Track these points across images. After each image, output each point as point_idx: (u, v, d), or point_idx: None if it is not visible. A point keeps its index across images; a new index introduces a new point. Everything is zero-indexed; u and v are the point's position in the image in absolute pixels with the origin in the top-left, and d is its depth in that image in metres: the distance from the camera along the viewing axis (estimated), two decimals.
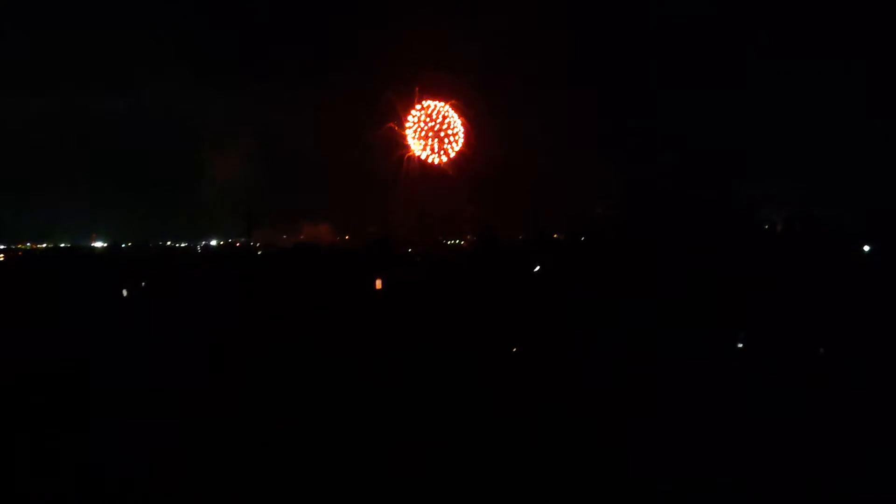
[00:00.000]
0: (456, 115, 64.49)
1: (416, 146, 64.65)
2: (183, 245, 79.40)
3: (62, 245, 75.56)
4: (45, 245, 76.68)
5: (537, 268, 44.83)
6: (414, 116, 64.48)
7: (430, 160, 64.25)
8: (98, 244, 74.14)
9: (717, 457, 12.37)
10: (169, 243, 79.14)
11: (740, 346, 21.58)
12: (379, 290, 38.52)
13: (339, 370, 18.85)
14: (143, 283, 42.40)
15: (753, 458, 12.28)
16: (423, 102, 64.45)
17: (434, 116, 64.73)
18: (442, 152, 64.53)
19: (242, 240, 75.62)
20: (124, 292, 38.75)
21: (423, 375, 18.11)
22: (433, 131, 64.67)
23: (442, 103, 64.45)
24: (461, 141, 64.72)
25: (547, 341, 22.59)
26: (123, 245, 74.47)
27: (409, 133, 64.53)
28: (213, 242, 78.54)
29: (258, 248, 73.18)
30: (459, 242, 71.69)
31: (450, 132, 64.64)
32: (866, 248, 42.28)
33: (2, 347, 22.72)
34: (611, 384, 17.02)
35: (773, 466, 11.90)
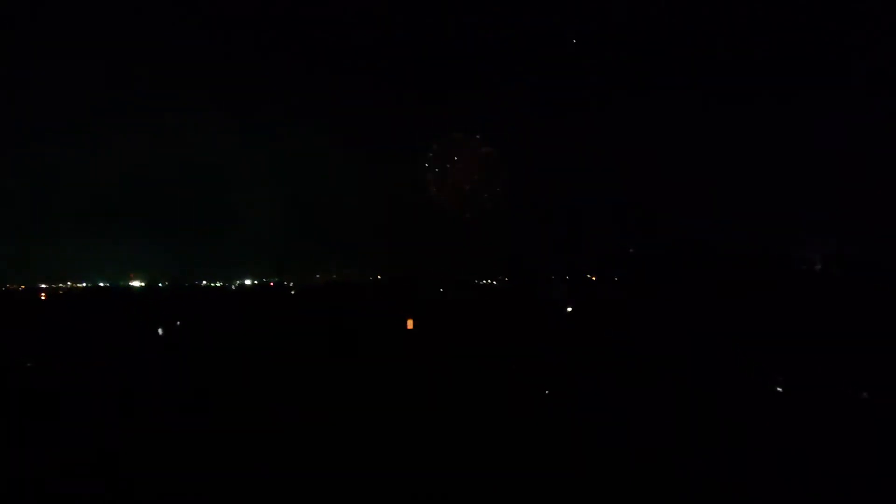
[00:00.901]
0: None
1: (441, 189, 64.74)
2: (218, 284, 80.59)
3: (100, 284, 77.22)
4: (83, 284, 78.41)
5: (570, 308, 44.58)
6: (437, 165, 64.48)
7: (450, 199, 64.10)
8: (136, 283, 75.62)
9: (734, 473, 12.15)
10: (204, 283, 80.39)
11: (779, 389, 21.11)
12: (410, 329, 38.59)
13: (366, 410, 18.86)
14: (178, 322, 43.06)
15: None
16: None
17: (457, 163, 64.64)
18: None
19: (275, 279, 76.57)
20: (160, 331, 39.36)
21: (451, 413, 18.02)
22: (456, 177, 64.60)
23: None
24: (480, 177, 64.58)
25: (580, 384, 22.36)
26: (160, 284, 75.88)
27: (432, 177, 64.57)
28: (248, 281, 79.61)
29: (291, 287, 74.00)
30: (491, 282, 71.69)
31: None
32: None
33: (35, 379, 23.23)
34: (640, 434, 16.75)
35: None
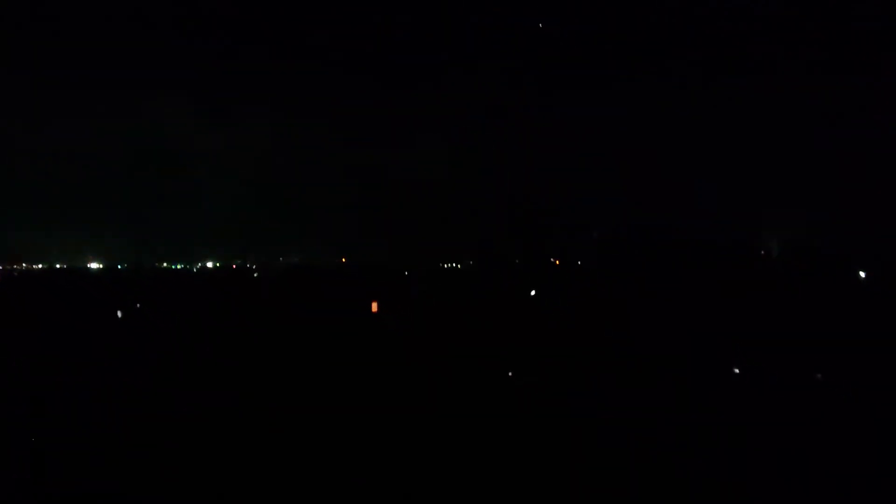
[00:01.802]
0: None
1: None
2: (179, 266, 79.40)
3: (58, 266, 75.51)
4: (41, 265, 76.61)
5: (533, 292, 44.87)
6: None
7: None
8: (94, 265, 74.10)
9: (712, 485, 12.32)
10: (165, 265, 79.13)
11: (736, 371, 21.53)
12: (375, 312, 38.48)
13: (329, 390, 18.80)
14: (138, 305, 42.34)
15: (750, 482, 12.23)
16: None
17: None
18: None
19: (238, 262, 75.67)
20: (119, 314, 38.64)
21: (414, 395, 18.04)
22: None
23: None
24: None
25: (543, 366, 22.54)
26: (120, 266, 74.46)
27: None
28: (210, 264, 78.54)
29: (254, 270, 73.19)
30: (456, 266, 71.78)
31: None
32: (862, 273, 42.47)
33: None
34: (602, 413, 16.96)
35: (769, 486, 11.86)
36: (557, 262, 62.58)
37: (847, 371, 19.82)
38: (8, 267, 75.11)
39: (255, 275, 70.71)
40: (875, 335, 23.96)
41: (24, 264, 77.26)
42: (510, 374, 21.77)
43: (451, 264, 71.84)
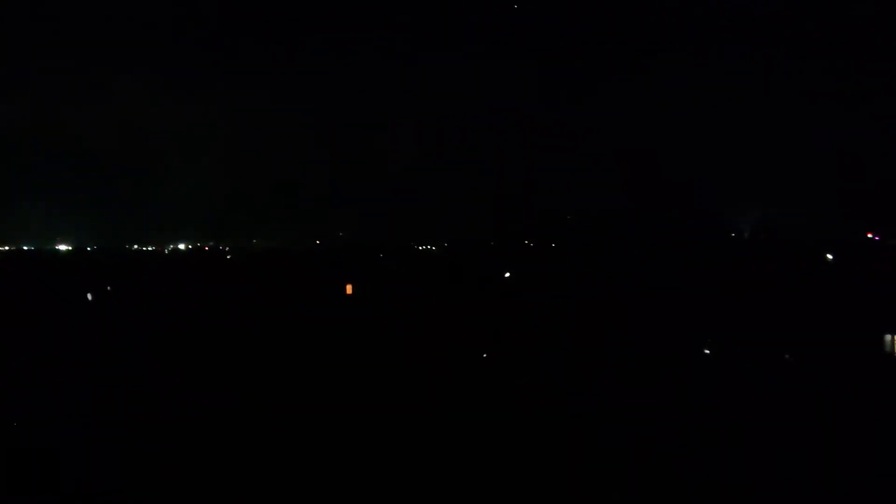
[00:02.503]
0: None
1: None
2: (150, 249, 78.29)
3: (25, 248, 74.11)
4: (6, 248, 75.14)
5: (507, 273, 44.98)
6: None
7: None
8: (63, 247, 72.81)
9: (686, 463, 12.49)
10: (136, 247, 77.99)
11: (707, 352, 21.86)
12: (350, 294, 38.37)
13: (306, 377, 18.74)
14: (108, 287, 41.71)
15: (723, 462, 12.43)
16: None
17: None
18: None
19: (211, 244, 74.85)
20: (89, 296, 38.07)
21: (393, 379, 18.07)
22: None
23: None
24: None
25: (517, 347, 22.67)
26: (89, 248, 73.26)
27: None
28: (182, 246, 77.57)
29: (227, 253, 72.48)
30: (431, 248, 71.70)
31: None
32: (829, 255, 43.16)
33: None
34: (578, 391, 17.12)
35: (743, 470, 12.06)
36: (531, 244, 62.76)
37: (816, 353, 20.19)
38: None
39: (228, 257, 70.02)
40: (841, 316, 24.43)
41: None
42: (484, 355, 21.90)
43: (426, 246, 71.77)
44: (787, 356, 20.74)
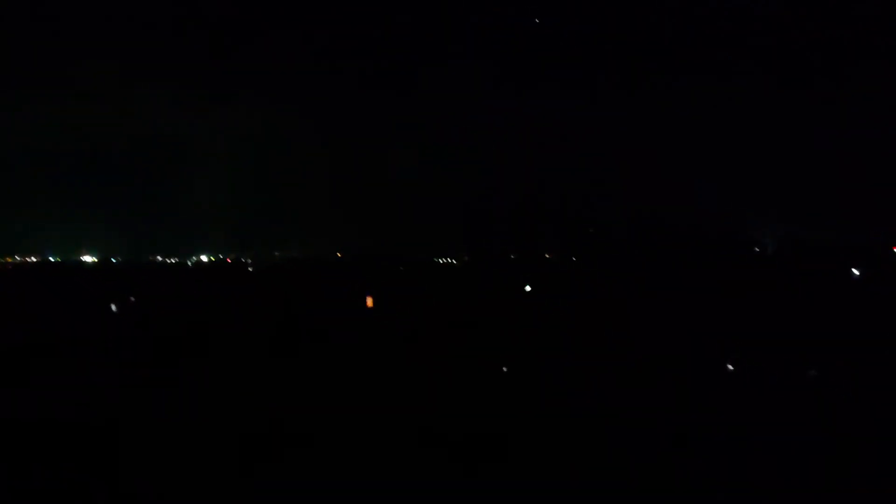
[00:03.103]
0: None
1: None
2: (174, 260, 79.04)
3: (51, 259, 75.18)
4: (34, 259, 76.25)
5: (528, 287, 44.85)
6: None
7: None
8: (88, 258, 73.77)
9: (709, 479, 12.32)
10: (160, 258, 78.78)
11: (730, 367, 21.56)
12: (370, 307, 38.44)
13: (324, 386, 18.75)
14: (132, 299, 42.17)
15: (746, 478, 12.24)
16: None
17: None
18: None
19: (233, 256, 75.43)
20: (113, 307, 38.51)
21: (411, 390, 18.02)
22: None
23: None
24: None
25: (537, 361, 22.53)
26: (114, 260, 74.17)
27: None
28: (204, 258, 78.24)
29: (249, 265, 73.00)
30: (452, 261, 71.70)
31: None
32: (855, 271, 42.56)
33: None
34: (599, 406, 16.96)
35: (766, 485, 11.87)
36: (552, 257, 62.61)
37: (842, 368, 19.87)
38: (1, 261, 74.82)
39: (251, 269, 70.51)
40: (869, 332, 24.03)
41: (16, 257, 76.94)
42: (504, 369, 21.77)
43: (446, 259, 71.78)
44: (812, 372, 20.41)
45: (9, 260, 76.06)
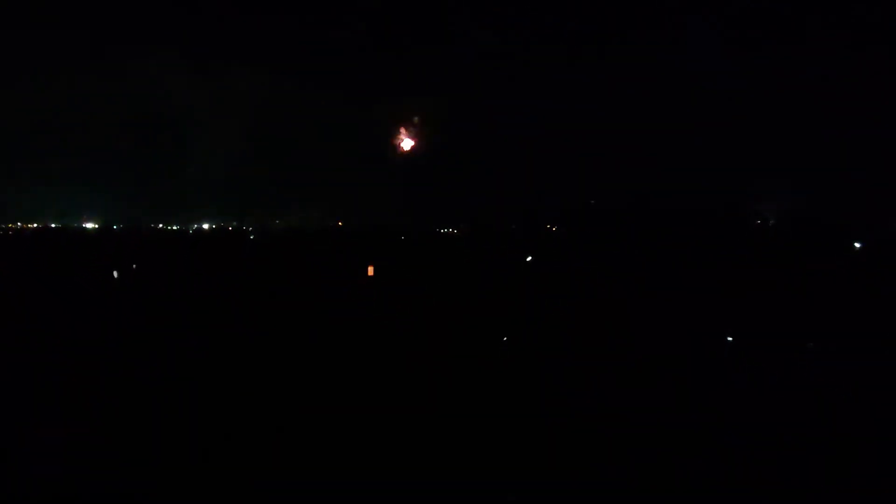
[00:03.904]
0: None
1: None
2: (175, 228, 79.06)
3: (53, 225, 75.20)
4: (35, 225, 76.29)
5: (529, 258, 44.89)
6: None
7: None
8: (89, 225, 73.79)
9: (707, 451, 12.42)
10: (161, 226, 78.80)
11: (730, 339, 21.65)
12: (371, 276, 38.50)
13: (326, 361, 18.82)
14: (133, 266, 42.26)
15: (744, 451, 12.32)
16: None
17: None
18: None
19: (234, 223, 75.44)
20: (115, 274, 38.58)
21: (411, 363, 18.10)
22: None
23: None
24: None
25: (538, 332, 22.61)
26: (115, 226, 74.19)
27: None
28: (206, 226, 78.23)
29: (250, 233, 73.02)
30: (453, 231, 71.68)
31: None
32: (857, 244, 42.52)
33: None
34: (598, 377, 17.04)
35: (764, 462, 11.95)
36: (554, 228, 62.54)
37: (842, 341, 19.92)
38: (2, 227, 74.79)
39: (252, 237, 70.54)
40: (870, 306, 24.08)
41: (18, 223, 76.95)
42: (505, 339, 21.85)
43: (448, 229, 71.74)
44: (810, 345, 20.48)
45: (10, 227, 76.10)
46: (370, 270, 38.96)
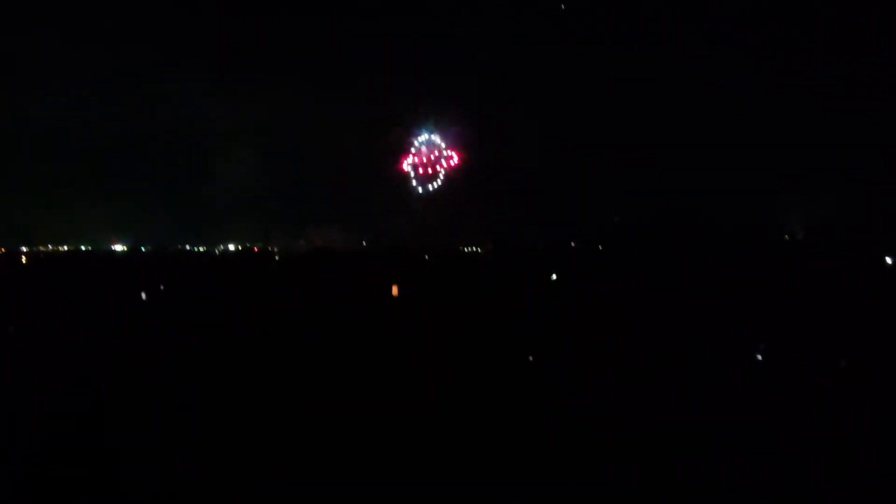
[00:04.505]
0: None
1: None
2: (201, 249, 79.90)
3: (83, 248, 76.41)
4: (66, 248, 77.58)
5: (554, 276, 44.73)
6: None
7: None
8: (118, 247, 74.87)
9: (734, 468, 12.26)
10: (188, 247, 79.69)
11: (759, 357, 21.37)
12: (396, 296, 38.61)
13: (348, 376, 18.89)
14: (161, 287, 42.79)
15: (770, 467, 12.15)
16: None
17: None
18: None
19: (260, 244, 76.09)
20: (143, 295, 39.11)
21: (434, 381, 18.10)
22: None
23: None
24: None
25: (563, 350, 22.49)
26: (143, 248, 75.22)
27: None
28: (231, 247, 78.99)
29: (275, 253, 73.64)
30: (476, 249, 71.66)
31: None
32: (889, 259, 41.82)
33: (20, 352, 23.05)
34: (625, 394, 16.91)
35: (791, 478, 11.77)
36: (577, 246, 62.30)
37: (872, 359, 19.57)
38: (34, 249, 76.20)
39: (277, 258, 71.14)
40: None
41: (49, 246, 78.32)
42: (531, 358, 21.77)
43: (472, 248, 71.74)
44: (842, 363, 20.14)
45: (42, 249, 77.46)
46: (395, 290, 39.08)
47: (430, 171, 62.51)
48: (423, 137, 62.91)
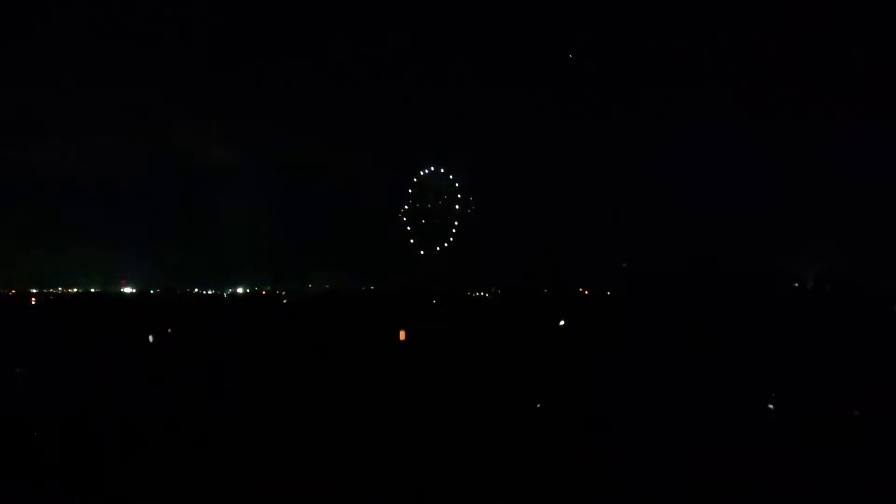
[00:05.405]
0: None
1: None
2: (210, 292, 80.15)
3: (92, 290, 76.76)
4: (75, 290, 77.97)
5: (562, 322, 44.56)
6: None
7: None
8: (127, 290, 75.21)
9: None
10: (196, 290, 79.96)
11: (771, 406, 21.14)
12: (403, 340, 38.47)
13: (352, 424, 18.80)
14: (169, 330, 42.81)
15: None
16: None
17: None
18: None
19: (268, 288, 76.31)
20: (150, 338, 39.12)
21: (440, 426, 17.98)
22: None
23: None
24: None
25: (572, 399, 22.32)
26: (152, 291, 75.51)
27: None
28: (240, 290, 79.22)
29: (283, 297, 73.75)
30: (484, 294, 71.62)
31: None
32: None
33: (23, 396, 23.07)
34: (633, 447, 16.72)
35: None
36: (586, 291, 62.20)
37: (885, 407, 19.35)
38: (43, 291, 76.61)
39: (285, 301, 71.20)
40: None
41: (59, 288, 78.72)
42: (538, 405, 21.60)
43: (479, 293, 71.68)
44: (855, 412, 19.90)
45: (51, 291, 77.87)
46: (402, 335, 38.95)
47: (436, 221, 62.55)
48: (429, 180, 63.23)
